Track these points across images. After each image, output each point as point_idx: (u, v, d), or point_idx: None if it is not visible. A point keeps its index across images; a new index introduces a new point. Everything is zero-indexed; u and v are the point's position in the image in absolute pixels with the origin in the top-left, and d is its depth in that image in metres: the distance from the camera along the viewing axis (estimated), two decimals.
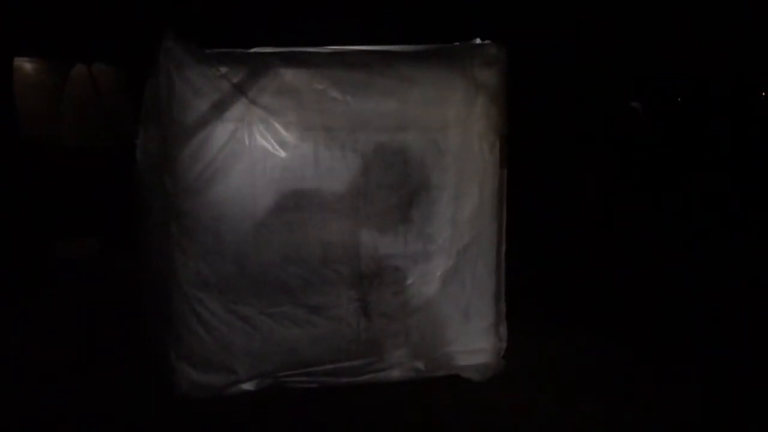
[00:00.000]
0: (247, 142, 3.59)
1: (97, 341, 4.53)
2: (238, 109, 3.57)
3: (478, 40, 3.97)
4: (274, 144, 3.63)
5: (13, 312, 5.08)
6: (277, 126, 3.63)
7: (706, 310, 5.05)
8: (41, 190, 6.74)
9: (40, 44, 7.95)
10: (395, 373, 3.92)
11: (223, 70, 3.54)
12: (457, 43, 3.98)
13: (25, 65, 8.27)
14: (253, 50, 3.77)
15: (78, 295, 5.56)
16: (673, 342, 4.55)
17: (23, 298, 5.33)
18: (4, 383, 3.96)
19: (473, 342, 4.00)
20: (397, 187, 3.82)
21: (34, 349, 4.43)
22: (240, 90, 3.55)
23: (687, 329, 4.72)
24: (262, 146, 3.61)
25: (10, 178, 6.20)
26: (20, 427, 3.52)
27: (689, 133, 6.75)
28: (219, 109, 3.54)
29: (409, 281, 3.88)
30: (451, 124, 3.85)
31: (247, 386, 3.77)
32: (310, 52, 3.76)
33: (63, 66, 8.72)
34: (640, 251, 6.17)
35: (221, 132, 3.56)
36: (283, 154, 3.64)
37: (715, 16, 6.08)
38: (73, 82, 8.79)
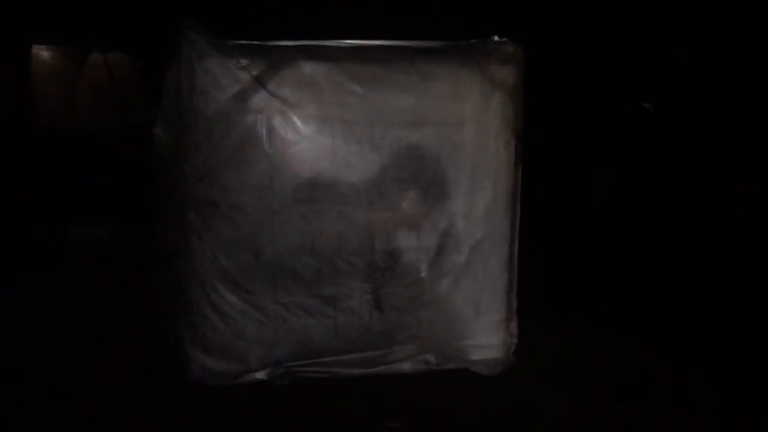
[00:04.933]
0: (265, 133, 3.64)
1: (109, 326, 4.59)
2: (257, 100, 3.61)
3: (495, 38, 3.99)
4: (292, 136, 3.67)
5: (26, 295, 5.14)
6: (296, 118, 3.67)
7: (716, 308, 5.05)
8: (56, 174, 6.82)
9: (57, 33, 8.01)
10: (406, 366, 3.97)
11: (244, 61, 3.57)
12: (475, 41, 4.00)
13: (43, 53, 8.33)
14: (273, 43, 3.80)
15: (90, 279, 5.63)
16: (682, 340, 4.56)
17: (37, 282, 5.40)
18: (16, 365, 4.02)
19: (484, 337, 4.05)
20: (412, 181, 3.85)
21: (46, 332, 4.50)
22: (260, 82, 3.59)
23: (696, 327, 4.72)
24: (281, 138, 3.66)
25: (26, 162, 6.28)
26: (32, 409, 3.57)
27: (703, 133, 6.72)
28: (239, 100, 3.58)
29: (422, 275, 3.92)
30: (467, 121, 3.89)
31: (260, 375, 3.82)
32: (329, 46, 3.79)
33: (79, 54, 8.78)
34: (650, 250, 6.17)
35: (240, 123, 3.61)
36: (300, 146, 3.68)
37: (734, 12, 6.01)
38: (89, 70, 8.85)
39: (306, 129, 3.68)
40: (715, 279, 5.54)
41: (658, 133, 7.16)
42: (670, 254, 6.10)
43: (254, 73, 3.59)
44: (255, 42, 3.76)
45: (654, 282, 5.64)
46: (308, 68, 3.66)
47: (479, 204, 3.97)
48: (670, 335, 4.66)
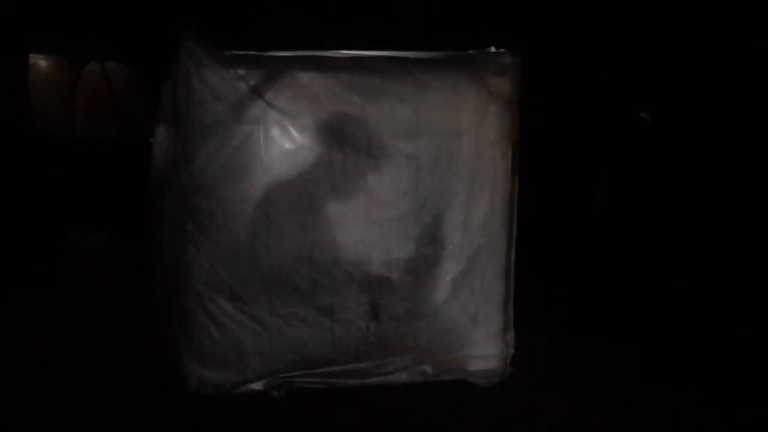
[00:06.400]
0: (262, 143, 3.63)
1: (105, 335, 4.57)
2: (254, 110, 3.60)
3: (492, 48, 4.01)
4: (290, 146, 3.67)
5: (22, 304, 5.13)
6: (293, 128, 3.67)
7: (715, 318, 5.05)
8: (53, 183, 6.82)
9: (55, 42, 8.02)
10: (403, 377, 3.96)
11: (241, 72, 3.57)
12: (472, 51, 4.01)
13: (40, 62, 8.32)
14: (271, 53, 3.80)
15: (87, 287, 5.61)
16: (680, 349, 4.55)
17: (33, 291, 5.39)
18: (11, 373, 4.00)
19: (481, 347, 4.04)
20: (410, 191, 3.85)
21: (42, 342, 4.48)
22: (257, 92, 3.59)
23: (695, 337, 4.72)
24: (278, 148, 3.65)
25: (23, 171, 6.26)
26: (28, 418, 3.56)
27: (701, 143, 6.74)
28: (236, 110, 3.58)
29: (419, 285, 3.91)
30: (464, 131, 3.88)
31: (256, 385, 3.80)
32: (327, 56, 3.80)
33: (77, 63, 8.79)
34: (648, 260, 6.18)
35: (238, 133, 3.60)
36: (298, 156, 3.68)
37: (735, 21, 6.00)
38: (86, 79, 8.85)
39: (303, 139, 3.68)
40: (714, 288, 5.55)
41: (656, 142, 7.18)
42: (668, 263, 6.10)
43: (252, 83, 3.59)
44: (253, 52, 3.77)
45: (653, 291, 5.64)
46: (306, 78, 3.66)
47: (476, 214, 3.96)
48: (669, 345, 4.66)
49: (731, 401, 3.92)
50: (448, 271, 3.95)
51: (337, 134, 3.69)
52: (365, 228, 3.81)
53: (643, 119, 7.69)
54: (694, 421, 3.70)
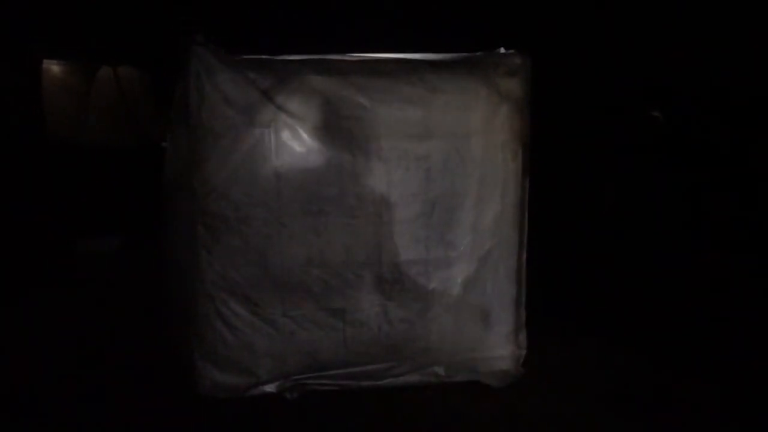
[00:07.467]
0: (273, 147, 3.65)
1: (117, 339, 4.61)
2: (265, 114, 3.62)
3: (502, 50, 4.01)
4: (300, 149, 3.69)
5: (34, 308, 5.18)
6: (303, 132, 3.69)
7: (729, 319, 5.02)
8: (66, 187, 6.88)
9: (67, 47, 8.09)
10: (415, 378, 3.96)
11: (252, 76, 3.60)
12: (482, 53, 4.01)
13: (54, 67, 8.40)
14: (280, 57, 3.82)
15: (99, 291, 5.66)
16: (694, 350, 4.53)
17: (46, 294, 5.44)
18: (23, 378, 4.04)
19: (493, 348, 4.04)
20: (420, 193, 3.85)
21: (54, 345, 4.52)
22: (268, 96, 3.61)
23: (709, 338, 4.70)
24: (288, 151, 3.67)
25: (37, 176, 6.33)
26: (39, 421, 3.59)
27: (713, 143, 6.69)
28: (247, 114, 3.60)
29: (430, 287, 3.92)
30: (474, 132, 3.88)
31: (269, 388, 3.83)
32: (336, 60, 3.80)
33: (89, 68, 8.85)
34: (658, 260, 6.15)
35: (248, 137, 3.62)
36: (308, 159, 3.70)
37: (745, 20, 5.96)
38: (99, 84, 8.91)
39: (314, 142, 3.69)
40: (726, 288, 5.52)
41: (668, 141, 7.15)
42: (678, 263, 6.07)
43: (262, 87, 3.61)
44: (263, 56, 3.79)
45: (663, 291, 5.61)
46: (316, 82, 3.68)
47: (487, 215, 3.96)
48: (681, 345, 4.63)
49: (746, 401, 3.89)
50: (459, 272, 3.95)
51: (346, 137, 3.71)
52: (376, 230, 3.81)
53: (655, 118, 7.65)
54: (707, 421, 3.68)
